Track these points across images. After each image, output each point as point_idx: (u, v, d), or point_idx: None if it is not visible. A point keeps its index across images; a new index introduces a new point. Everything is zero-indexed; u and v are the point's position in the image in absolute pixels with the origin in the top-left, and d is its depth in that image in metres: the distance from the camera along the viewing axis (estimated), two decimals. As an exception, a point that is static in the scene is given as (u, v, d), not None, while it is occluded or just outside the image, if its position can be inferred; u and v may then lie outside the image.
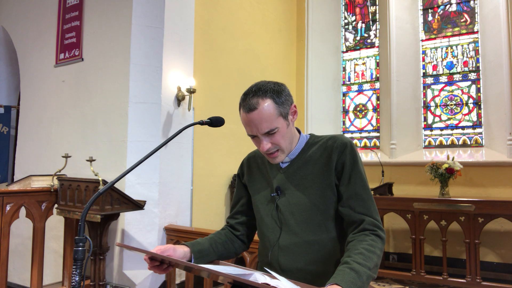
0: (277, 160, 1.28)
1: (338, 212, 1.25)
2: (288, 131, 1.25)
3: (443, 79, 4.90)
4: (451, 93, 4.84)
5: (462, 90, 4.78)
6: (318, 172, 1.26)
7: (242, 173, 1.47)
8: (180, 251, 1.26)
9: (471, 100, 4.71)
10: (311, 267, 1.23)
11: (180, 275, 3.33)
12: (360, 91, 5.48)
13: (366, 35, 5.51)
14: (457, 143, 4.74)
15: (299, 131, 1.36)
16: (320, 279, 1.19)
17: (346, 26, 5.67)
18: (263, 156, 1.37)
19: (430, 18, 5.06)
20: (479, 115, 4.64)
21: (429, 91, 4.97)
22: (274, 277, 1.05)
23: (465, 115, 4.73)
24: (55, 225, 3.35)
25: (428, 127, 4.94)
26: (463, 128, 4.72)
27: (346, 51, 5.63)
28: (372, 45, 5.44)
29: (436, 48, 4.98)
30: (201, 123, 1.34)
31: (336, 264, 1.21)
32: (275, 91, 1.21)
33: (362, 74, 5.48)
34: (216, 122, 1.38)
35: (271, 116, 1.19)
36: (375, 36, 5.43)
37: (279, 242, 1.27)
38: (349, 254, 1.10)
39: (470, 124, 4.69)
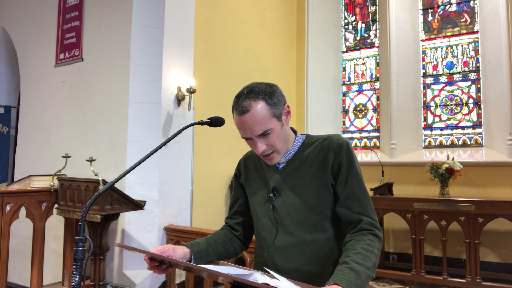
0: (273, 161, 1.28)
1: (335, 212, 1.25)
2: (283, 131, 1.25)
3: (443, 79, 4.90)
4: (451, 93, 4.84)
5: (462, 90, 4.78)
6: (315, 172, 1.26)
7: (239, 173, 1.47)
8: (180, 252, 1.26)
9: (471, 100, 4.71)
10: (307, 267, 1.23)
11: (180, 275, 3.33)
12: (360, 91, 5.48)
13: (366, 35, 5.51)
14: (457, 143, 4.74)
15: (294, 132, 1.35)
16: (317, 280, 1.19)
17: (346, 26, 5.67)
18: None
19: (430, 18, 5.06)
20: (479, 115, 4.64)
21: (429, 91, 4.97)
22: (274, 277, 1.05)
23: (465, 115, 4.73)
24: (55, 225, 3.35)
25: (428, 127, 4.93)
26: (463, 128, 4.72)
27: (346, 51, 5.63)
28: (372, 45, 5.44)
29: (436, 48, 4.98)
30: (201, 123, 1.34)
31: (333, 265, 1.22)
32: (267, 92, 1.21)
33: (362, 74, 5.48)
34: (216, 122, 1.38)
35: (265, 118, 1.18)
36: (375, 36, 5.43)
37: (275, 243, 1.27)
38: (348, 254, 1.11)
39: (470, 124, 4.69)
